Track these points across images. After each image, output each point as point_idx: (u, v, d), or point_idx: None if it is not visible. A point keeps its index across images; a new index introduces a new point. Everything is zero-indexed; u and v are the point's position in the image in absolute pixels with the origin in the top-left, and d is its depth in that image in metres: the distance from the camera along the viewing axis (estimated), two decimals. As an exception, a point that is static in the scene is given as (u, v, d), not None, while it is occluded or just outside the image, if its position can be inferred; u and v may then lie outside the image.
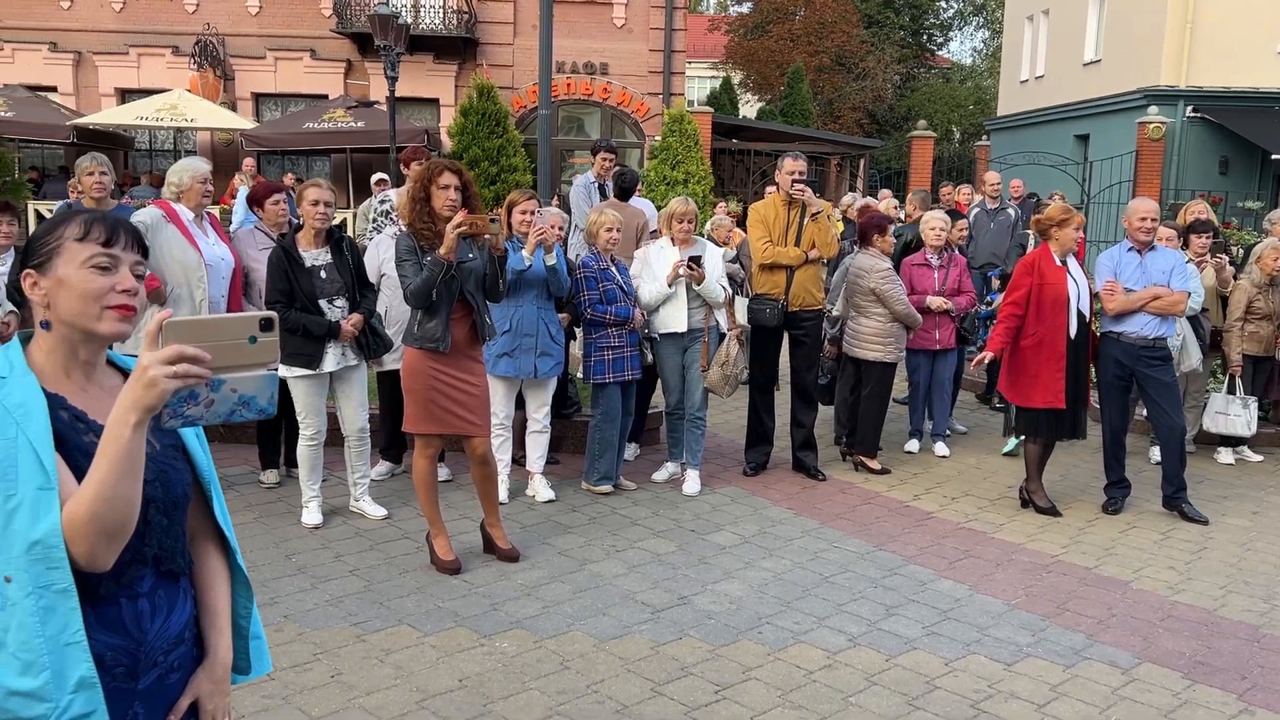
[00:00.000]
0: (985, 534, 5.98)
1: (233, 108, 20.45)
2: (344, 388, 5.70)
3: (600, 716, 3.78)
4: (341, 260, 5.54)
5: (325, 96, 20.61)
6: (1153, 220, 6.31)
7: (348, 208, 17.23)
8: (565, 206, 9.46)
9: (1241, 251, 11.36)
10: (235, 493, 6.11)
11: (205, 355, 1.53)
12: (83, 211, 1.78)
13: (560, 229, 6.31)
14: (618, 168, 8.32)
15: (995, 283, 8.86)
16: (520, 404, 6.30)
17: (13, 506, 1.58)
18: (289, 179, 16.14)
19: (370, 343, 5.68)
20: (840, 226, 9.29)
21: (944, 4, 40.96)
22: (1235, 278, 7.73)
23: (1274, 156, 19.29)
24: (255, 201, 6.32)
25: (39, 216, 15.01)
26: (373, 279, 5.99)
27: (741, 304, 7.65)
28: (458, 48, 21.09)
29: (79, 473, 1.62)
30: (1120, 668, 4.32)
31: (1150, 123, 19.86)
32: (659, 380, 6.78)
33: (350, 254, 5.59)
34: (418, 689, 3.92)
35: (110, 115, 19.33)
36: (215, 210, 6.57)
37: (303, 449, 5.66)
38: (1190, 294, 6.52)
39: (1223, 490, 7.03)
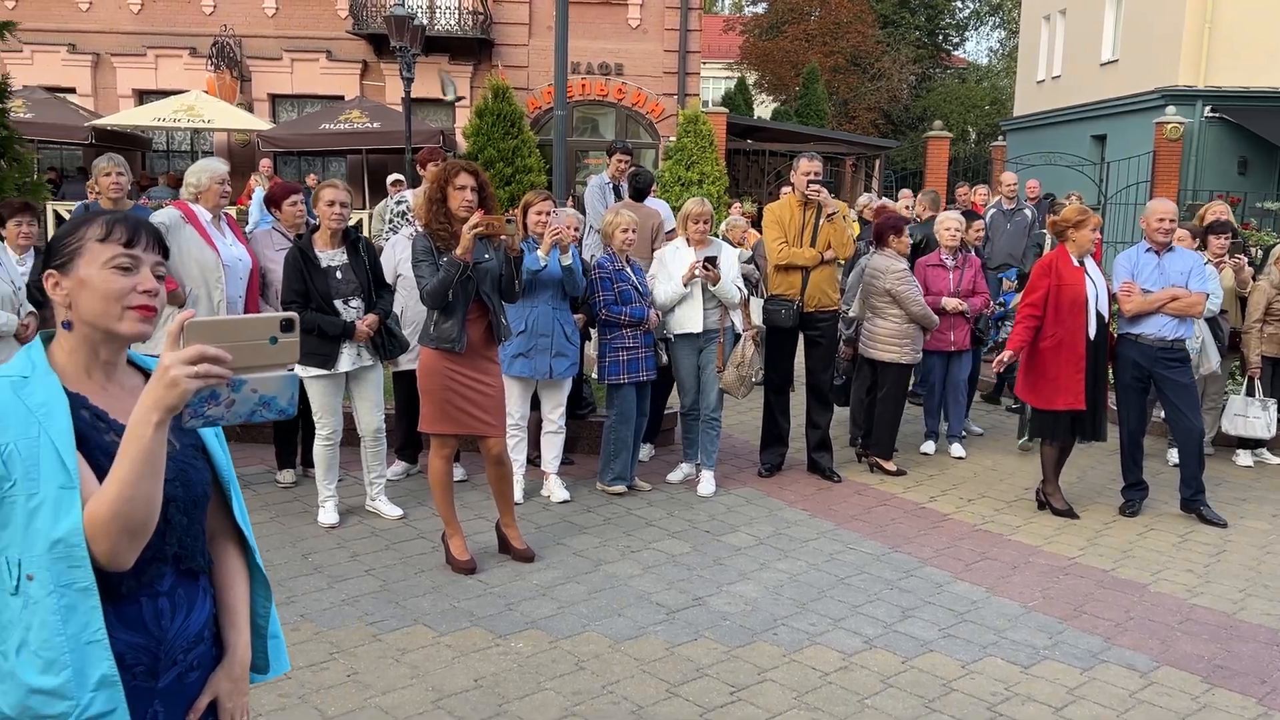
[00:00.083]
0: (1002, 536, 5.95)
1: (249, 109, 20.55)
2: (360, 388, 5.72)
3: (615, 717, 3.78)
4: (357, 261, 5.55)
5: (341, 97, 20.69)
6: (1171, 221, 6.27)
7: (363, 208, 17.28)
8: (580, 207, 9.46)
9: (1261, 252, 11.30)
10: (252, 492, 6.13)
11: (226, 355, 1.54)
12: (104, 213, 1.79)
13: (576, 229, 6.31)
14: (633, 168, 8.32)
15: (1006, 284, 8.81)
16: (535, 404, 6.31)
17: (35, 505, 1.59)
18: (311, 179, 16.21)
19: (386, 343, 5.69)
20: (856, 228, 9.26)
21: (960, 4, 40.82)
22: (1254, 279, 7.67)
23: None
24: (273, 202, 6.34)
25: (57, 217, 15.10)
26: (389, 279, 6.00)
27: (757, 305, 7.64)
28: (473, 49, 21.14)
29: (100, 472, 1.63)
30: (1138, 671, 4.30)
31: (1168, 123, 19.74)
32: (674, 382, 6.78)
33: (366, 254, 5.61)
34: (433, 688, 3.93)
35: (128, 116, 19.44)
36: (232, 211, 6.59)
37: (319, 449, 5.68)
38: (1209, 295, 6.48)
39: (1241, 493, 6.98)
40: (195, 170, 5.93)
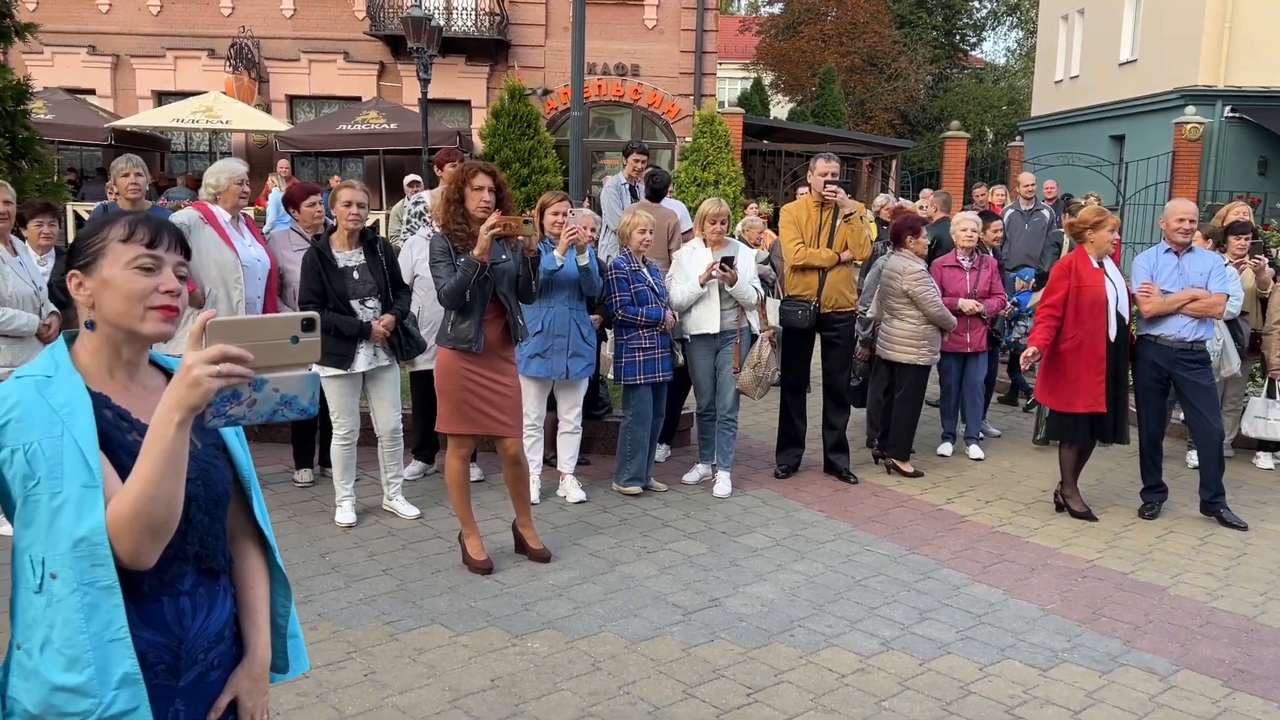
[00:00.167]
0: (1019, 538, 5.93)
1: (267, 110, 20.64)
2: (377, 388, 5.74)
3: (632, 718, 3.78)
4: (375, 261, 5.57)
5: (358, 99, 20.77)
6: (1191, 221, 6.23)
7: (380, 209, 17.34)
8: (596, 208, 9.47)
9: (1281, 253, 11.19)
10: (270, 492, 6.16)
11: (248, 355, 1.55)
12: (126, 213, 1.80)
13: (592, 230, 6.32)
14: (650, 169, 8.32)
15: (1020, 283, 8.76)
16: (551, 405, 6.32)
17: (58, 504, 1.60)
18: (335, 181, 16.26)
19: (403, 343, 5.71)
20: (874, 229, 9.24)
21: (977, 4, 40.66)
22: (1275, 279, 7.61)
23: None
24: (291, 203, 6.37)
25: (77, 218, 15.20)
26: (406, 280, 6.02)
27: (773, 305, 7.63)
28: (489, 50, 21.18)
29: (123, 471, 1.64)
30: (1158, 674, 4.27)
31: (1187, 123, 19.61)
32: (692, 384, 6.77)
33: (384, 255, 5.62)
34: (450, 688, 3.94)
35: (147, 117, 19.56)
36: (249, 211, 6.62)
37: (336, 448, 5.70)
38: (1229, 296, 6.43)
39: (1262, 496, 6.92)
40: (214, 171, 5.96)
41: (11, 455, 1.62)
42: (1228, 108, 20.49)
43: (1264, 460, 7.64)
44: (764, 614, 4.73)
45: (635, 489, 6.36)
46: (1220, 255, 6.85)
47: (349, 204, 5.49)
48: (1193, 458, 7.09)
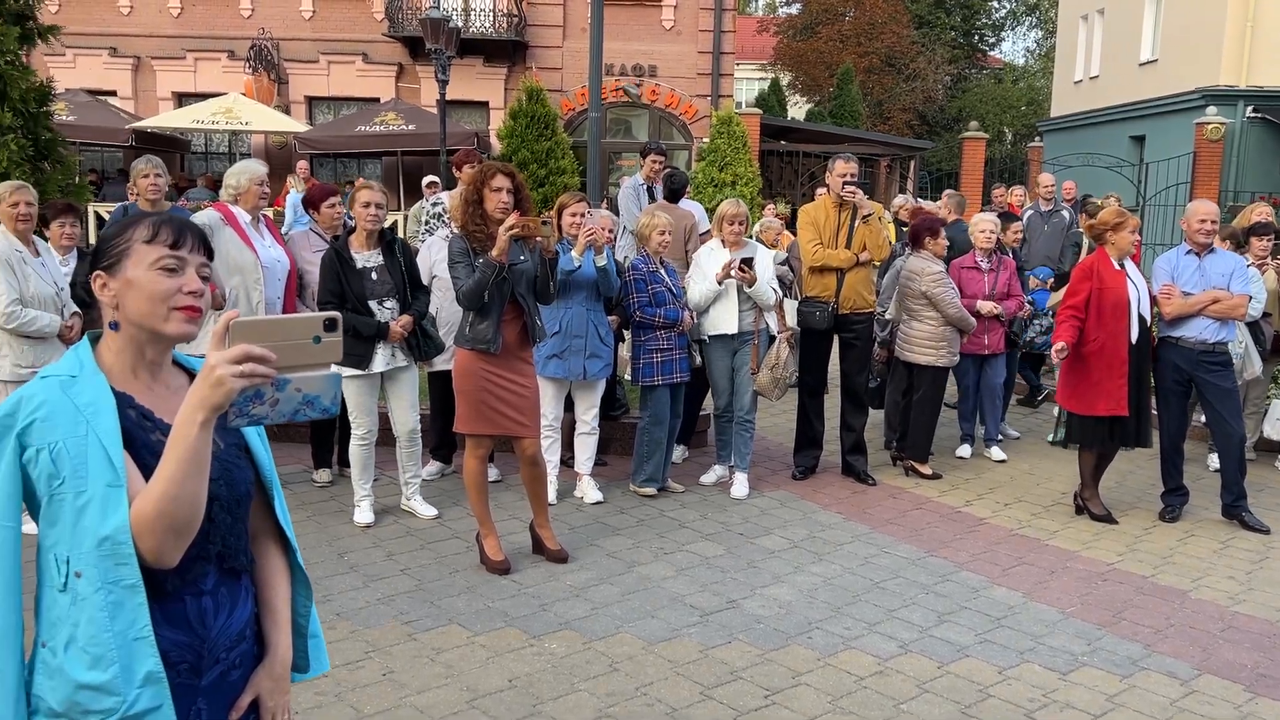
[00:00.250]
0: (1039, 541, 5.90)
1: (286, 111, 20.74)
2: (395, 388, 5.75)
3: (649, 719, 3.78)
4: (393, 262, 5.59)
5: (377, 100, 20.85)
6: (1212, 223, 6.19)
7: (398, 210, 17.39)
8: (613, 209, 9.47)
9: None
10: (288, 491, 6.19)
11: (271, 355, 1.56)
12: (148, 214, 1.82)
13: (610, 230, 6.32)
14: (668, 169, 8.32)
15: (1034, 281, 8.70)
16: (569, 405, 6.32)
17: (83, 503, 1.62)
18: (360, 183, 16.32)
19: (421, 344, 5.73)
20: (892, 230, 9.19)
21: (996, 4, 40.48)
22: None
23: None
24: (311, 204, 6.39)
25: (99, 218, 15.30)
26: (424, 281, 6.03)
27: (791, 306, 7.61)
28: (507, 51, 21.22)
29: (146, 471, 1.65)
30: (1179, 679, 4.24)
31: (1208, 123, 19.45)
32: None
33: (402, 256, 5.64)
34: (468, 688, 3.95)
35: (168, 119, 19.68)
36: (269, 212, 6.65)
37: (354, 448, 5.72)
38: (1251, 298, 6.38)
39: (1284, 499, 6.87)
40: (235, 172, 5.99)
41: (37, 454, 1.63)
42: (1250, 108, 20.33)
43: (1286, 463, 7.58)
44: (782, 616, 4.72)
45: (651, 490, 6.36)
46: (1242, 256, 6.80)
47: (367, 205, 5.51)
48: (1214, 460, 7.04)
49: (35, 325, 5.38)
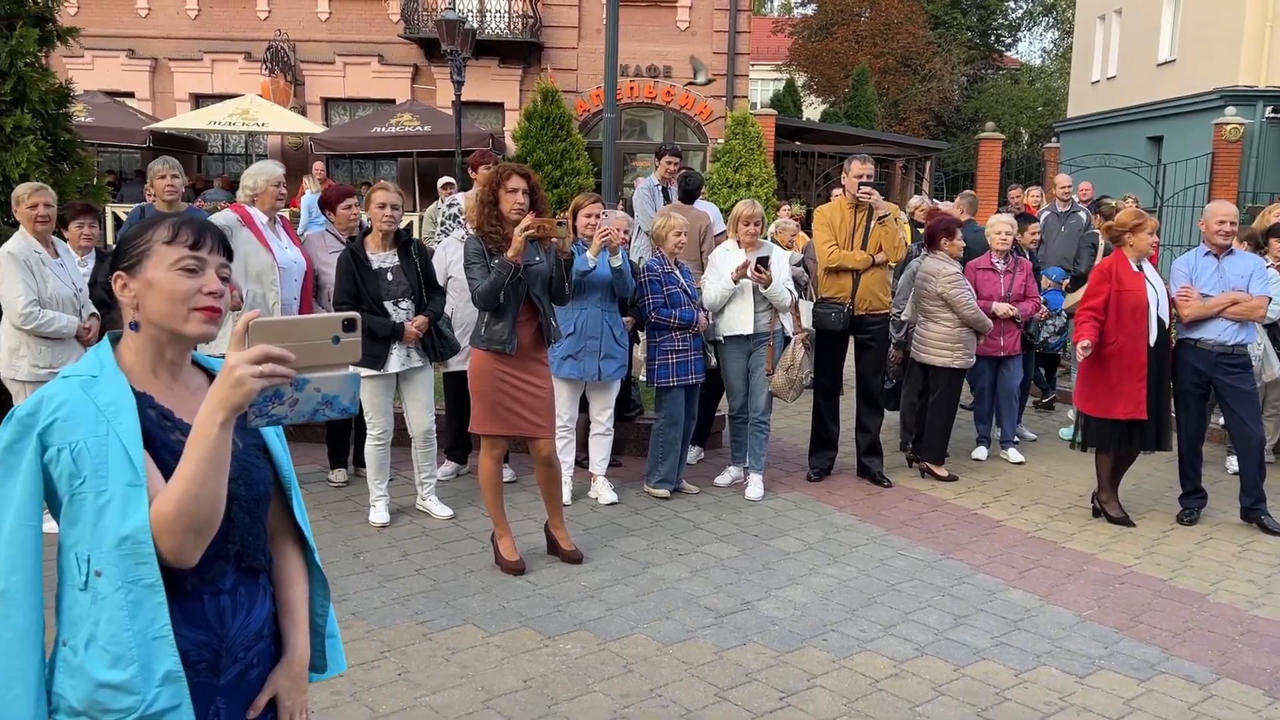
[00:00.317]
0: (1055, 543, 5.87)
1: (303, 112, 20.81)
2: (410, 389, 5.77)
3: (664, 720, 3.78)
4: (409, 263, 5.60)
5: (393, 101, 20.91)
6: (1231, 224, 6.15)
7: (414, 211, 17.44)
8: (629, 210, 9.47)
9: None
10: (305, 491, 6.18)
11: (290, 355, 1.56)
12: (168, 215, 1.83)
13: (625, 231, 6.32)
14: (683, 170, 8.31)
15: (1046, 282, 8.66)
16: (583, 406, 6.33)
17: (103, 503, 1.62)
18: (376, 184, 16.37)
19: (436, 344, 5.74)
20: (908, 231, 9.16)
21: (1012, 4, 40.33)
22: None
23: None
24: (328, 205, 6.42)
25: (116, 219, 15.39)
26: (439, 282, 6.05)
27: (807, 307, 7.60)
28: (522, 52, 21.25)
29: (166, 470, 1.66)
30: (1198, 683, 4.21)
31: (1227, 124, 19.33)
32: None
33: (418, 257, 5.66)
34: (483, 688, 3.95)
35: (185, 120, 19.78)
36: (286, 213, 6.69)
37: (370, 449, 5.74)
38: (1270, 299, 6.34)
39: (1304, 502, 6.81)
40: (252, 173, 6.02)
41: (58, 454, 1.64)
42: (1269, 108, 20.18)
43: (1306, 466, 7.52)
44: (796, 618, 4.71)
45: (665, 491, 6.36)
46: (1261, 258, 6.75)
47: (383, 205, 5.53)
48: (1232, 463, 7.00)
49: (53, 326, 5.41)
